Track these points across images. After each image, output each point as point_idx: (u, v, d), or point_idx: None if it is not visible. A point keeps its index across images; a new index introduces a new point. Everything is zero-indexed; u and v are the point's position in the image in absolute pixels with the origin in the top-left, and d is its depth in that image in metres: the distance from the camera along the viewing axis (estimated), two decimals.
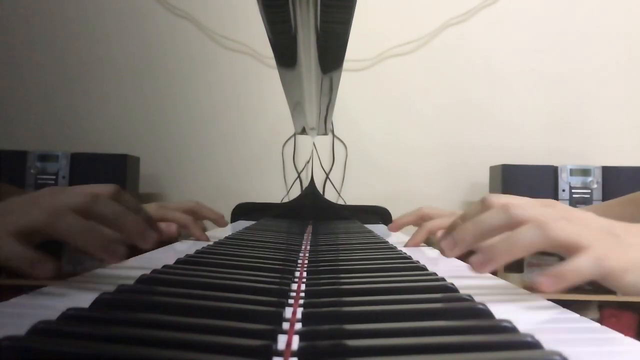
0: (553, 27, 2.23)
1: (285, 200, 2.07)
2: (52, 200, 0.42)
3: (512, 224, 0.42)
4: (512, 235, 0.40)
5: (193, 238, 0.88)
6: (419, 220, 0.88)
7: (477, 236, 0.43)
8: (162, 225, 0.82)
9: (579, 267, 0.38)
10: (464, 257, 0.47)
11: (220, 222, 0.87)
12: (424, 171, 2.20)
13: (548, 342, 0.27)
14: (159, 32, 2.23)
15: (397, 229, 0.88)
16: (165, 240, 0.83)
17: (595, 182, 1.88)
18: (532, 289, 0.43)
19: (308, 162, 2.14)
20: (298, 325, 0.32)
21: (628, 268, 0.39)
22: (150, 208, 0.86)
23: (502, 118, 2.21)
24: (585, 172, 1.90)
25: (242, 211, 1.42)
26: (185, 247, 0.77)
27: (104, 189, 0.46)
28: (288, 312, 0.35)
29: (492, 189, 2.05)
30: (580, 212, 0.45)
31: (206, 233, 0.91)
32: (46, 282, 0.40)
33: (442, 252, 0.45)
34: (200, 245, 0.71)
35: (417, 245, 0.87)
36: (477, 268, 0.41)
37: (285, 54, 0.61)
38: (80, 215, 0.42)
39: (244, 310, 0.33)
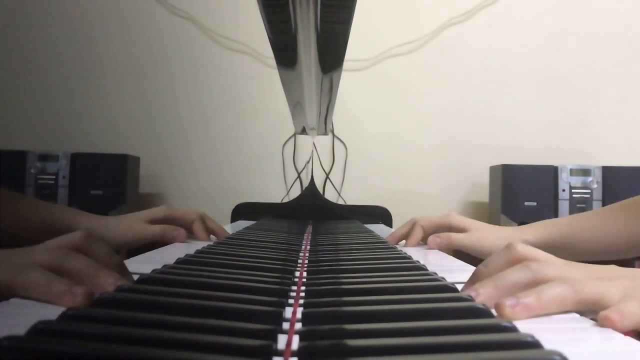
0: (553, 26, 2.23)
1: (285, 200, 2.07)
2: (22, 256, 0.42)
3: (538, 280, 0.41)
4: (541, 288, 0.39)
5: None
6: (422, 231, 0.89)
7: (500, 291, 0.42)
8: (171, 229, 0.84)
9: (629, 311, 0.37)
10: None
11: (221, 236, 0.88)
12: (424, 171, 2.20)
13: (548, 342, 0.27)
14: (159, 32, 2.23)
15: (395, 241, 0.89)
16: (168, 242, 0.84)
17: (595, 182, 1.88)
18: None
19: (308, 162, 2.14)
20: (298, 325, 0.32)
21: None
22: (159, 209, 0.88)
23: (502, 118, 2.21)
24: (585, 172, 1.90)
25: (242, 211, 1.43)
26: (185, 247, 0.77)
27: (73, 238, 0.45)
28: (288, 312, 0.35)
29: (492, 189, 2.05)
30: (605, 267, 0.44)
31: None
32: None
33: (501, 310, 0.40)
34: (201, 245, 0.71)
35: (417, 242, 0.87)
36: (507, 312, 0.39)
37: (285, 54, 0.61)
38: (51, 271, 0.41)
39: (244, 310, 0.33)
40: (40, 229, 0.79)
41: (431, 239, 0.84)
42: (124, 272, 0.46)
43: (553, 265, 0.43)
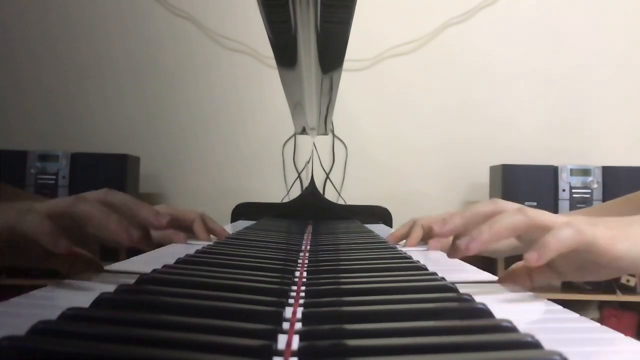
0: (553, 27, 2.23)
1: (286, 200, 2.07)
2: (75, 195, 0.47)
3: (497, 211, 0.45)
4: (496, 218, 0.43)
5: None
6: (421, 230, 0.88)
7: (466, 219, 0.46)
8: (170, 233, 0.83)
9: (561, 236, 0.41)
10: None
11: (222, 236, 0.88)
12: (424, 171, 2.20)
13: (548, 342, 0.27)
14: (159, 32, 2.23)
15: (395, 241, 0.89)
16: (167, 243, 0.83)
17: (595, 182, 1.88)
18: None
19: (308, 162, 2.14)
20: (298, 325, 0.32)
21: (616, 239, 0.42)
22: (160, 208, 0.87)
23: (502, 118, 2.21)
24: (585, 172, 1.90)
25: (242, 211, 1.42)
26: (185, 247, 0.77)
27: (112, 190, 0.50)
28: (288, 312, 0.35)
29: (492, 189, 2.05)
30: (565, 214, 0.49)
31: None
32: (46, 282, 0.42)
33: (457, 250, 0.45)
34: (201, 245, 0.71)
35: (417, 242, 0.87)
36: (461, 251, 0.43)
37: (285, 54, 0.61)
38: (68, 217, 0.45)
39: (244, 310, 0.33)
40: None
41: (432, 242, 0.83)
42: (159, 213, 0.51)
43: (543, 212, 0.46)
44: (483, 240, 0.43)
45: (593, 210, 0.87)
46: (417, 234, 0.87)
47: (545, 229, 0.42)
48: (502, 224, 0.43)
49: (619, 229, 0.43)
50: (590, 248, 0.41)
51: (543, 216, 0.43)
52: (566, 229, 0.41)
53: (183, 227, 0.86)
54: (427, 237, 0.87)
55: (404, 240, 0.90)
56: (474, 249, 0.43)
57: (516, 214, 0.43)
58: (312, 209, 1.41)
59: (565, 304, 0.40)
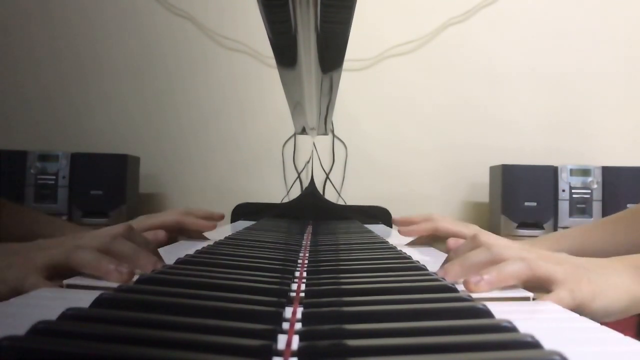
0: (553, 27, 2.23)
1: (285, 200, 2.07)
2: (76, 241, 0.50)
3: (497, 260, 0.49)
4: (501, 265, 0.47)
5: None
6: (431, 229, 0.86)
7: (465, 269, 0.50)
8: (150, 234, 0.79)
9: (560, 300, 0.44)
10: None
11: (216, 218, 0.86)
12: (424, 171, 2.20)
13: (548, 342, 0.27)
14: (159, 32, 2.23)
15: (412, 236, 0.88)
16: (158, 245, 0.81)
17: (595, 182, 1.88)
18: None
19: (308, 162, 2.14)
20: (298, 325, 0.32)
21: (595, 296, 0.46)
22: (138, 221, 0.84)
23: (502, 118, 2.21)
24: (585, 172, 1.90)
25: (242, 211, 1.43)
26: (185, 247, 0.77)
27: (118, 229, 0.53)
28: (288, 312, 0.35)
29: (492, 189, 2.05)
30: (554, 254, 0.53)
31: (207, 234, 0.90)
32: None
33: (467, 285, 0.49)
34: (201, 245, 0.71)
35: (418, 234, 0.86)
36: (470, 288, 0.46)
37: (285, 54, 0.61)
38: (63, 267, 0.47)
39: (244, 310, 0.33)
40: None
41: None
42: (159, 257, 0.54)
43: (510, 248, 0.51)
44: (492, 287, 0.46)
45: (599, 229, 0.87)
46: (423, 229, 0.86)
47: (545, 282, 0.47)
48: (508, 274, 0.47)
49: (599, 283, 0.47)
50: (578, 307, 0.45)
51: (542, 268, 0.47)
52: (562, 290, 0.45)
53: (170, 231, 0.84)
54: (438, 240, 0.86)
55: (406, 240, 0.90)
56: (483, 290, 0.46)
57: (521, 264, 0.47)
58: (312, 209, 1.42)
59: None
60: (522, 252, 0.49)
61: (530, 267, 0.47)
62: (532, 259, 0.48)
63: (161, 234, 0.81)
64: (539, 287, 0.47)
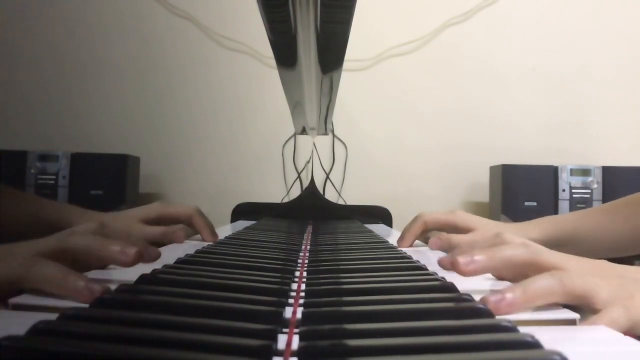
0: (553, 27, 2.23)
1: (286, 200, 2.07)
2: (28, 249, 0.42)
3: (534, 262, 0.42)
4: (528, 282, 0.39)
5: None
6: (420, 225, 0.87)
7: (495, 262, 0.42)
8: (170, 232, 0.81)
9: (614, 322, 0.36)
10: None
11: (208, 239, 0.86)
12: (424, 171, 2.20)
13: (548, 342, 0.27)
14: (159, 31, 2.23)
15: (409, 243, 0.87)
16: (168, 242, 0.83)
17: (595, 182, 1.88)
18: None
19: (308, 162, 2.14)
20: (298, 325, 0.32)
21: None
22: (153, 209, 0.86)
23: (502, 118, 2.21)
24: (585, 172, 1.90)
25: (242, 211, 1.42)
26: (185, 247, 0.77)
27: (86, 228, 0.46)
28: (288, 312, 0.35)
29: (492, 189, 2.05)
30: (591, 261, 0.44)
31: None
32: None
33: (455, 266, 0.42)
34: (201, 245, 0.71)
35: (414, 237, 0.86)
36: (462, 269, 0.41)
37: (285, 54, 0.61)
38: (59, 255, 0.42)
39: (244, 310, 0.33)
40: (41, 227, 0.79)
41: (432, 240, 0.81)
42: (147, 247, 0.47)
43: (550, 251, 0.43)
44: (515, 310, 0.38)
45: (605, 213, 0.86)
46: (416, 229, 0.86)
47: (585, 300, 0.39)
48: (535, 293, 0.38)
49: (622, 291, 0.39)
50: (634, 327, 0.38)
51: (579, 284, 0.39)
52: (614, 309, 0.37)
53: (179, 224, 0.85)
54: (430, 233, 0.86)
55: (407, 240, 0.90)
56: (505, 314, 0.38)
57: (551, 280, 0.39)
58: (312, 209, 1.41)
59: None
60: (563, 258, 0.41)
61: (564, 284, 0.38)
62: (567, 272, 0.40)
63: (179, 237, 0.79)
64: (578, 305, 0.39)
